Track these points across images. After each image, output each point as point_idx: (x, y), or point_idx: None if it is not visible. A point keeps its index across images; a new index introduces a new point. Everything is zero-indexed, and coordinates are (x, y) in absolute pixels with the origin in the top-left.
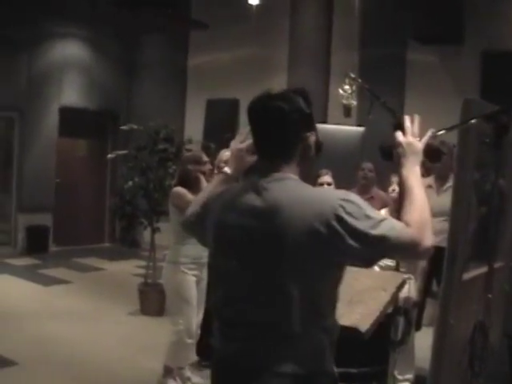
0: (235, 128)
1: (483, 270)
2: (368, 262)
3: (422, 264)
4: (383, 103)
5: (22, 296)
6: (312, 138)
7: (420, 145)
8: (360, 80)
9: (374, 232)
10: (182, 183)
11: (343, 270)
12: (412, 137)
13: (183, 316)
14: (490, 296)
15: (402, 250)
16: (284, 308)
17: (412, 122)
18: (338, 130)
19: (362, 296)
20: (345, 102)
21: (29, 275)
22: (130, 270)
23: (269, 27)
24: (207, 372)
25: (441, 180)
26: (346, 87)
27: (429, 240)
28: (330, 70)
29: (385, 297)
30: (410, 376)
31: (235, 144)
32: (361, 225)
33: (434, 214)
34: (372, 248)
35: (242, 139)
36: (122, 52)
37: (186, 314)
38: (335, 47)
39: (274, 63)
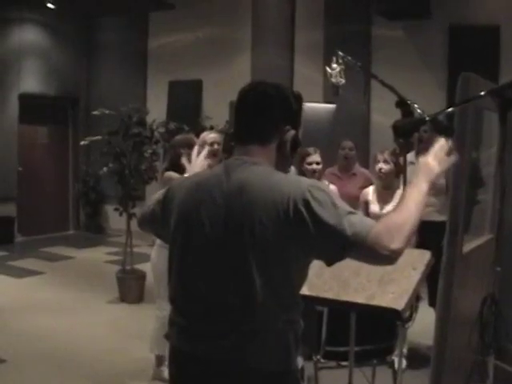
0: (199, 109)
1: (479, 242)
2: (329, 258)
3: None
4: (381, 81)
5: None
6: (290, 134)
7: (437, 168)
8: (350, 58)
9: (339, 222)
10: (173, 167)
11: (307, 263)
12: (433, 158)
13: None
14: (498, 269)
15: (364, 247)
16: (249, 298)
17: (441, 146)
18: (308, 107)
19: (392, 275)
20: (333, 80)
21: None
22: (100, 257)
23: (231, 6)
24: None
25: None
26: (334, 65)
27: (396, 245)
28: (294, 47)
29: (415, 275)
30: (403, 350)
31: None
32: (326, 213)
33: None
34: (334, 239)
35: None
36: (80, 35)
37: None
38: (299, 24)
39: (238, 43)
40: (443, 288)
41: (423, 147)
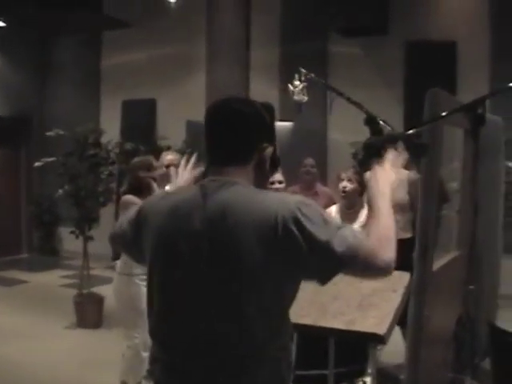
0: (153, 129)
1: (447, 258)
2: (323, 276)
3: None
4: (348, 98)
5: None
6: (269, 151)
7: (394, 175)
8: (313, 75)
9: (331, 238)
10: (132, 191)
11: (298, 284)
12: (390, 166)
13: (138, 329)
14: (471, 287)
15: (360, 262)
16: (239, 329)
17: (396, 154)
18: None
19: (372, 299)
20: (296, 97)
21: None
22: (55, 280)
23: (186, 24)
24: None
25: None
26: (297, 82)
27: (390, 256)
28: (249, 65)
29: (396, 298)
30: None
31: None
32: (318, 230)
33: None
34: (328, 256)
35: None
36: (33, 54)
37: (141, 326)
38: (255, 42)
39: (193, 61)
40: (414, 306)
41: None
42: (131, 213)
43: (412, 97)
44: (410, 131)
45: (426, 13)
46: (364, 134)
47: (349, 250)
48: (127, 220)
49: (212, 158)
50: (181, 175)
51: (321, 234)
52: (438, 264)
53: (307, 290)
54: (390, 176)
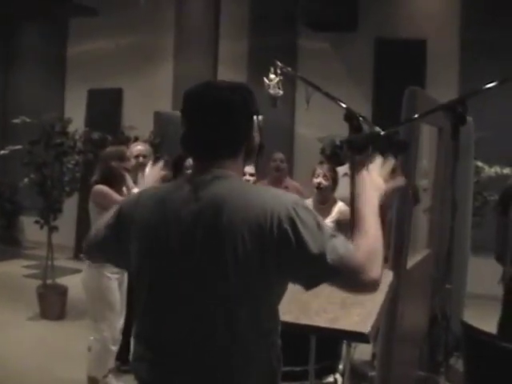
0: (119, 119)
1: (419, 257)
2: (309, 282)
3: None
4: (326, 93)
5: None
6: (257, 139)
7: (382, 184)
8: (290, 69)
9: (323, 246)
10: (104, 181)
11: (287, 283)
12: (378, 175)
13: (107, 322)
14: (449, 286)
15: (347, 275)
16: (231, 328)
17: (384, 164)
18: None
19: (355, 297)
20: (271, 91)
21: None
22: (17, 270)
23: (154, 14)
24: (128, 377)
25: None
26: (272, 76)
27: (377, 272)
28: (218, 56)
29: (379, 296)
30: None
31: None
32: (311, 236)
33: None
34: (317, 264)
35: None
36: None
37: (110, 320)
38: (223, 34)
39: (160, 51)
40: (388, 304)
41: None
42: (107, 218)
43: (381, 94)
44: (391, 129)
45: (396, 10)
46: (330, 129)
47: (338, 261)
48: (104, 226)
49: (198, 150)
50: (149, 173)
51: (313, 240)
52: (410, 262)
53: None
54: (377, 184)
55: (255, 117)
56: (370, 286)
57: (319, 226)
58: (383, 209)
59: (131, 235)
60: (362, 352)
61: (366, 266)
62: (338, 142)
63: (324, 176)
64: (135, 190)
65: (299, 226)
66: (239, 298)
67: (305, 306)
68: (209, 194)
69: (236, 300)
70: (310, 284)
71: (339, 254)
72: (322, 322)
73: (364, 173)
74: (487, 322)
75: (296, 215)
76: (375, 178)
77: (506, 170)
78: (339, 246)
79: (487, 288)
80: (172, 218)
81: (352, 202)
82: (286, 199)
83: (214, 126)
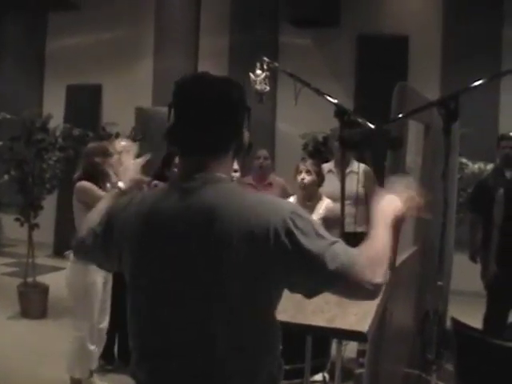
0: (99, 115)
1: (406, 254)
2: (311, 291)
3: None
4: (315, 89)
5: None
6: (247, 136)
7: (400, 204)
8: (277, 64)
9: (323, 255)
10: (88, 177)
11: (283, 289)
12: (398, 197)
13: (88, 321)
14: (440, 283)
15: (349, 282)
16: (233, 339)
17: (408, 188)
18: None
19: None
20: (258, 87)
21: None
22: None
23: (134, 9)
24: (112, 376)
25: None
26: (259, 71)
27: (379, 280)
28: (198, 52)
29: None
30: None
31: (129, 158)
32: (310, 245)
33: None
34: (318, 273)
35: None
36: None
37: (91, 318)
38: (204, 29)
39: (140, 47)
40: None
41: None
42: (95, 221)
43: (362, 90)
44: (385, 126)
45: (378, 6)
46: (313, 126)
47: (340, 268)
48: (93, 230)
49: (187, 144)
50: (128, 166)
51: (313, 249)
52: (398, 260)
53: None
54: (397, 205)
55: (246, 113)
56: (371, 294)
57: (318, 234)
58: (398, 220)
59: (122, 245)
60: (347, 349)
61: (367, 273)
62: (320, 139)
63: (307, 171)
64: (120, 184)
65: (298, 237)
66: (236, 305)
67: (300, 305)
68: (201, 201)
69: (233, 307)
70: (311, 293)
71: (340, 261)
72: (319, 321)
73: (389, 196)
74: (470, 318)
75: (294, 226)
76: (396, 200)
77: (490, 166)
78: (340, 252)
79: (469, 285)
80: (162, 230)
81: (343, 199)
82: (283, 210)
83: (206, 120)
